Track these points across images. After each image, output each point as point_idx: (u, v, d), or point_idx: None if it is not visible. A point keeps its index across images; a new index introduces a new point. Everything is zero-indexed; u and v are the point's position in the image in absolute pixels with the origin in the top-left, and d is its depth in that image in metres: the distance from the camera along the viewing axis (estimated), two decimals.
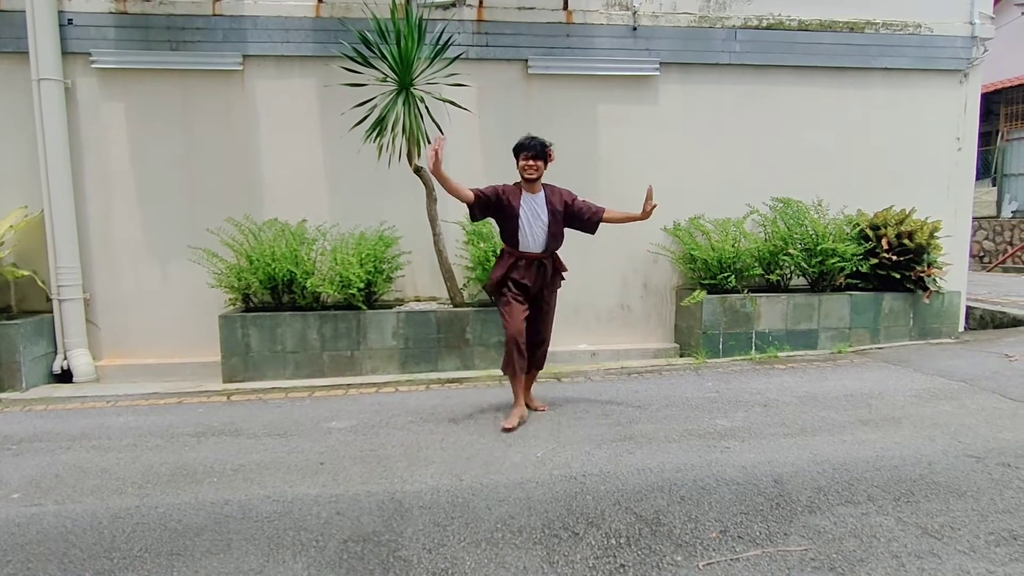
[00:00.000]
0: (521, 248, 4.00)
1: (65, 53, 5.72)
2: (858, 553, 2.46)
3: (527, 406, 4.26)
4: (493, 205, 3.99)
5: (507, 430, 3.89)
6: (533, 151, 3.93)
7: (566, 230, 4.16)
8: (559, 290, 4.26)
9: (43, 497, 3.09)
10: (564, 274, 4.24)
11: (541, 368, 4.35)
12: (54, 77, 5.62)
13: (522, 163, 3.97)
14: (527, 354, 4.04)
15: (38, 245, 5.77)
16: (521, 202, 3.97)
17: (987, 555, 2.44)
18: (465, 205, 4.00)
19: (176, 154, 6.03)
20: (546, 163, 4.01)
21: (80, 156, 5.89)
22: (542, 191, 4.04)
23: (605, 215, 4.12)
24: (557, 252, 4.16)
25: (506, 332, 3.99)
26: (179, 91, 5.97)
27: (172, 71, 5.92)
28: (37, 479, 3.31)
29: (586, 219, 4.12)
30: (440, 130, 5.59)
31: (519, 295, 4.00)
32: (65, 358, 5.79)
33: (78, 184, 5.87)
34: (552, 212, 4.00)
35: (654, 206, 3.97)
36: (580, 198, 4.16)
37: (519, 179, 4.06)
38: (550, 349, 6.21)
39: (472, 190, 3.94)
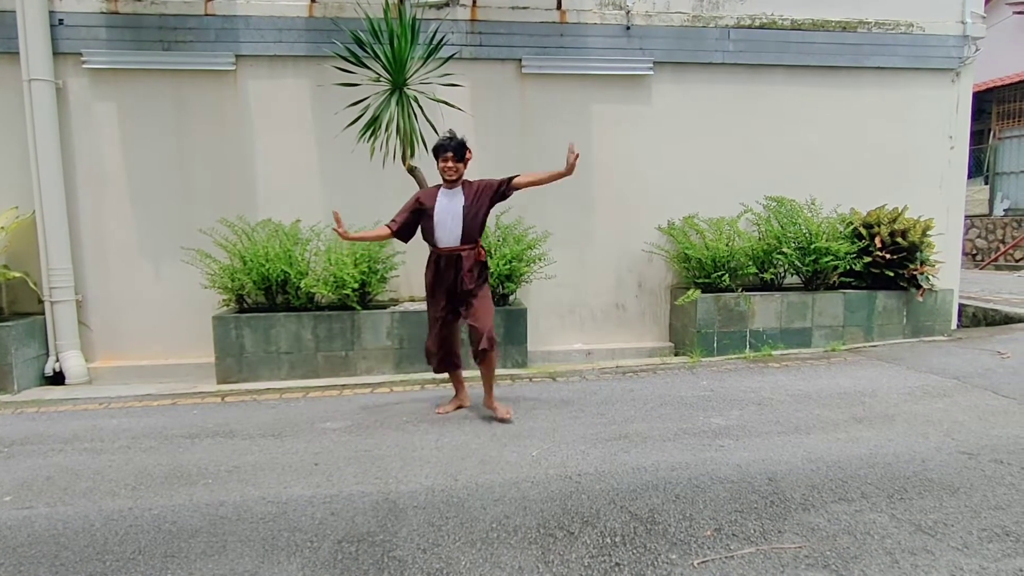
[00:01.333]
0: (439, 244, 4.05)
1: (56, 53, 5.68)
2: (852, 550, 2.47)
3: (489, 408, 4.25)
4: (414, 220, 4.14)
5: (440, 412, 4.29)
6: (452, 152, 3.95)
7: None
8: (489, 283, 4.22)
9: (34, 500, 3.07)
10: (485, 264, 4.15)
11: (487, 365, 4.13)
12: (45, 77, 5.58)
13: (441, 164, 4.00)
14: (472, 350, 4.09)
15: (29, 246, 5.73)
16: (438, 199, 4.05)
17: (980, 551, 2.45)
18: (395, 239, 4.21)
19: (169, 154, 6.00)
20: (465, 164, 4.04)
21: (72, 157, 5.86)
22: (460, 187, 4.07)
23: (520, 180, 4.02)
24: (480, 247, 4.12)
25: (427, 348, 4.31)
26: (171, 91, 5.95)
27: (164, 71, 5.89)
28: (28, 481, 3.29)
29: (501, 189, 4.06)
30: (435, 129, 5.59)
31: (439, 308, 4.13)
32: (57, 360, 5.75)
33: (70, 185, 5.84)
34: (466, 205, 4.00)
35: (576, 156, 3.78)
36: (495, 181, 4.10)
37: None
38: (546, 349, 6.34)
39: (388, 224, 4.16)
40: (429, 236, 4.10)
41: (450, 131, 4.08)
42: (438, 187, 4.13)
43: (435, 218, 4.03)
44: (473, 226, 4.03)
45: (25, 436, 4.05)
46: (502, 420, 4.09)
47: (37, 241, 5.69)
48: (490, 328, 4.01)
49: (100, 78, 5.84)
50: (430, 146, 5.55)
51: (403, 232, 4.18)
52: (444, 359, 4.30)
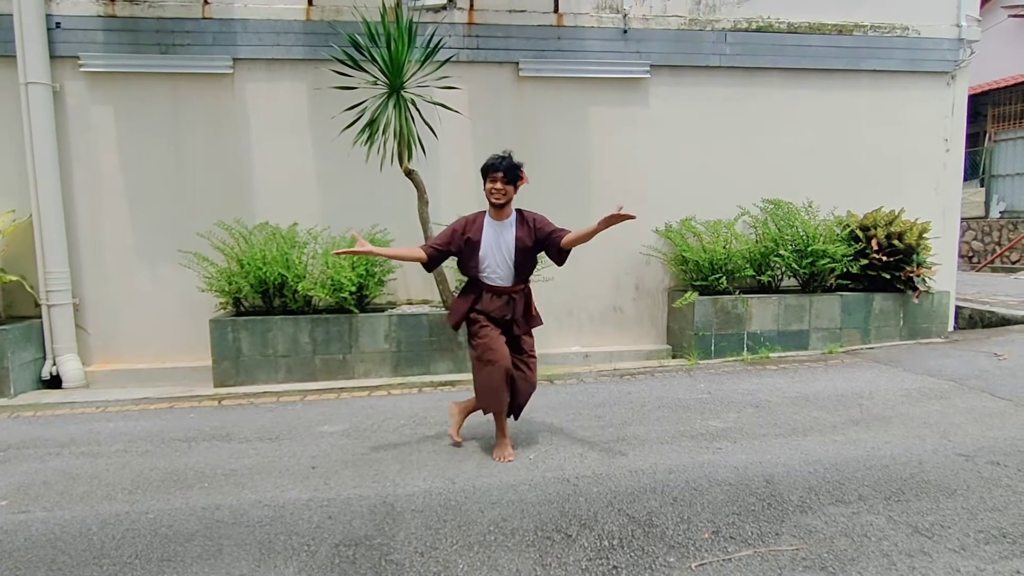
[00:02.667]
0: (488, 283, 3.54)
1: (53, 56, 5.68)
2: (849, 552, 2.47)
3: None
4: (453, 251, 3.59)
5: (508, 460, 3.48)
6: (502, 173, 3.41)
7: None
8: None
9: (31, 504, 3.06)
10: (536, 318, 3.73)
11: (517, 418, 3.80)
12: (42, 81, 5.58)
13: (488, 186, 3.46)
14: (512, 402, 3.61)
15: (26, 250, 5.72)
16: (484, 230, 3.52)
17: (977, 553, 2.46)
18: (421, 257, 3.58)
19: (166, 157, 6.00)
20: (516, 187, 3.50)
21: (69, 160, 5.85)
22: (512, 216, 3.56)
23: (565, 241, 3.48)
24: (529, 291, 3.69)
25: (486, 366, 3.45)
26: (168, 94, 5.94)
27: (161, 74, 5.89)
28: (25, 486, 3.28)
29: (555, 252, 3.55)
30: (433, 132, 5.60)
31: (495, 331, 3.53)
32: (54, 364, 5.74)
33: (67, 188, 5.83)
34: (520, 240, 3.51)
35: (626, 217, 3.31)
36: (551, 225, 3.57)
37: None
38: (544, 351, 6.31)
39: (425, 248, 3.59)
40: (473, 271, 3.56)
41: (506, 151, 3.53)
42: (482, 214, 3.59)
43: (481, 252, 3.50)
44: (526, 264, 3.57)
45: (22, 440, 4.04)
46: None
47: (34, 244, 5.68)
48: (534, 385, 3.69)
49: (97, 81, 5.84)
50: (428, 149, 5.64)
51: (433, 260, 3.61)
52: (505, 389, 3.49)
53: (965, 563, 2.39)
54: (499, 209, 3.52)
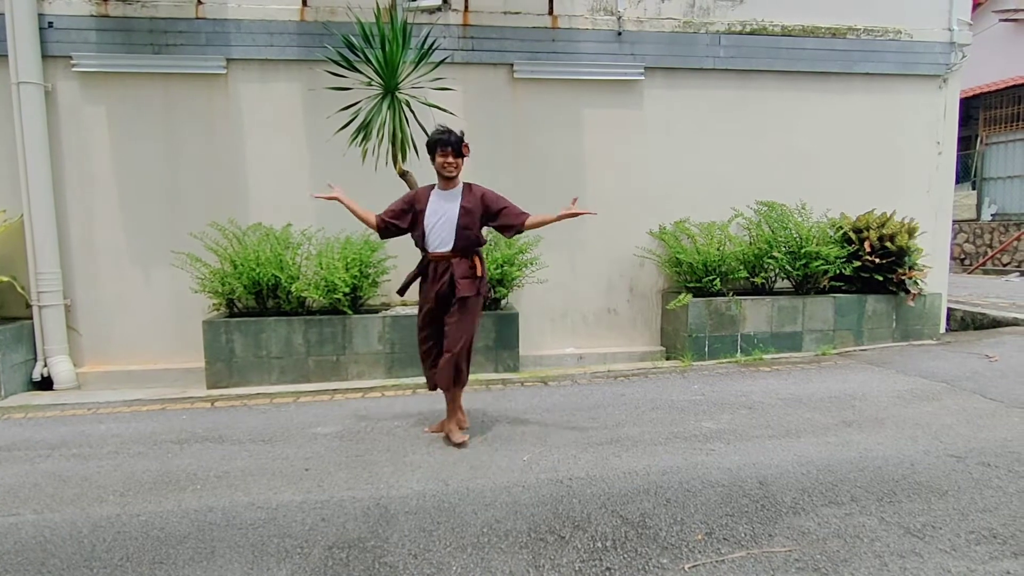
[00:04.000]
0: (429, 248, 3.78)
1: (45, 56, 5.65)
2: (842, 553, 2.48)
3: (447, 428, 3.91)
4: (401, 220, 3.85)
5: (428, 430, 4.03)
6: (451, 147, 3.69)
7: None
8: (485, 298, 3.94)
9: (21, 507, 3.04)
10: (483, 277, 3.85)
11: (448, 387, 3.83)
12: (34, 81, 5.55)
13: (440, 160, 3.71)
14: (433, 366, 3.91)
15: (18, 250, 5.68)
16: (430, 200, 3.79)
17: (968, 554, 2.47)
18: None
19: (159, 158, 5.97)
20: (462, 160, 3.78)
21: (61, 160, 5.82)
22: (459, 187, 3.80)
23: (528, 222, 3.75)
24: (477, 255, 3.83)
25: (422, 346, 3.98)
26: (162, 94, 5.92)
27: (154, 74, 5.86)
28: (15, 488, 3.26)
29: (509, 225, 3.80)
30: (426, 134, 5.58)
31: (428, 309, 3.83)
32: (45, 365, 5.70)
33: (59, 188, 5.80)
34: (464, 208, 3.73)
35: (574, 214, 3.71)
36: (505, 202, 3.82)
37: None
38: (538, 353, 6.34)
39: (378, 215, 3.88)
40: (420, 240, 3.82)
41: (443, 126, 3.81)
42: (431, 187, 3.85)
43: (426, 220, 3.75)
44: (467, 233, 3.74)
45: (12, 442, 4.01)
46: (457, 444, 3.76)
47: (25, 245, 5.64)
48: (456, 352, 3.75)
49: (90, 81, 5.81)
50: (422, 150, 5.62)
51: (386, 229, 3.88)
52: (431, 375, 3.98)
53: (956, 564, 2.40)
54: (449, 180, 3.79)
